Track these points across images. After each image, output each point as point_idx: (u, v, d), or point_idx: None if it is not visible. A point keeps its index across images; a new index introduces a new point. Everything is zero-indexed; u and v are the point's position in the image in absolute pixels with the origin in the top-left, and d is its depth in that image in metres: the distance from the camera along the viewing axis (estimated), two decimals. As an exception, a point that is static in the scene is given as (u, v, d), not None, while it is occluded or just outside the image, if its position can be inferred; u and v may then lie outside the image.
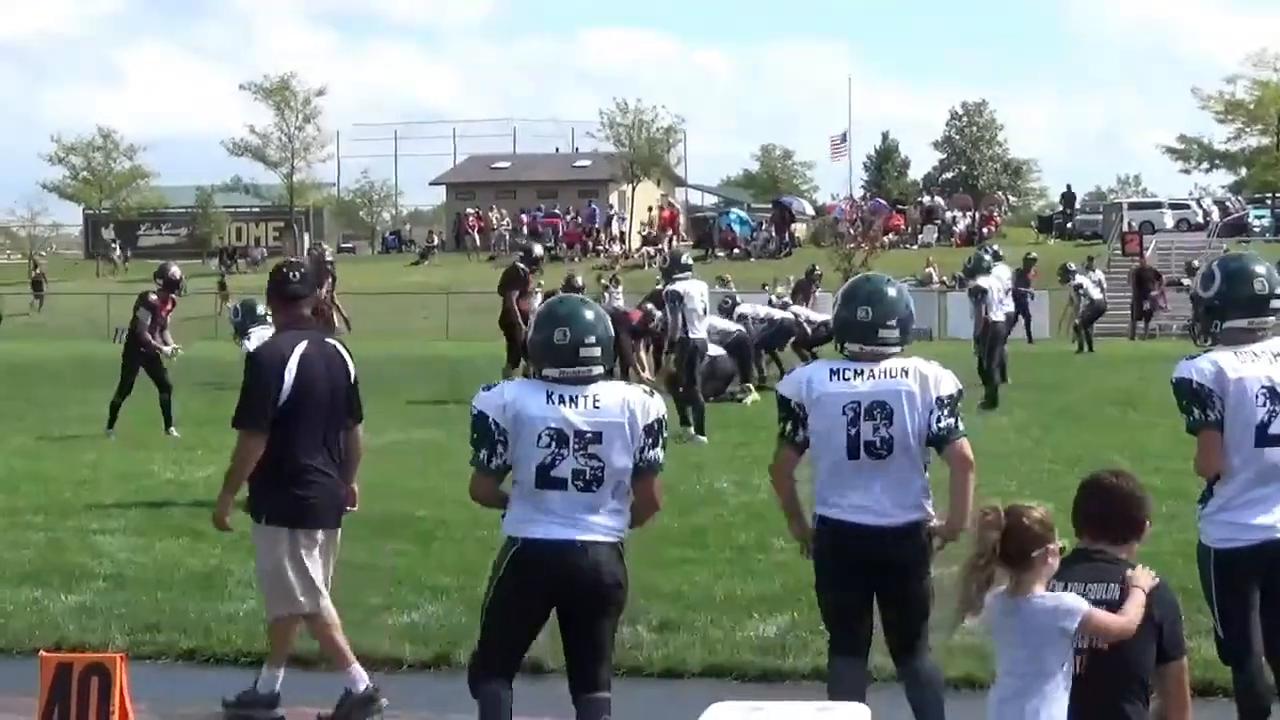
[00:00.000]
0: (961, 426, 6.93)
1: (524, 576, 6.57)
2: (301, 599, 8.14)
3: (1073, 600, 5.82)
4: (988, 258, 25.16)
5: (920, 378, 6.88)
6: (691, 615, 9.88)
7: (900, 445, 6.82)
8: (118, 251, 73.74)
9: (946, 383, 6.93)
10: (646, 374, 25.47)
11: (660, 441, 6.71)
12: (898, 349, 6.99)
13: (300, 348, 8.17)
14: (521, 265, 24.34)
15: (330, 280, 29.37)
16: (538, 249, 26.50)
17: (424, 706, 7.38)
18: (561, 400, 6.54)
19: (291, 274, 8.46)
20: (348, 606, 10.20)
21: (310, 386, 8.12)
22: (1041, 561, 5.84)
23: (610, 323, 6.86)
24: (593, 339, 6.62)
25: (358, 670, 8.13)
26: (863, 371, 6.89)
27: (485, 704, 6.63)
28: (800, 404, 6.92)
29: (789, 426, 6.97)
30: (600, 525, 6.58)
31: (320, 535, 8.18)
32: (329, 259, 28.57)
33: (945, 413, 6.84)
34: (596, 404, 6.56)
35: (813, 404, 6.89)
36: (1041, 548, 5.84)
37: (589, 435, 6.51)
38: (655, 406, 6.68)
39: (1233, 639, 6.78)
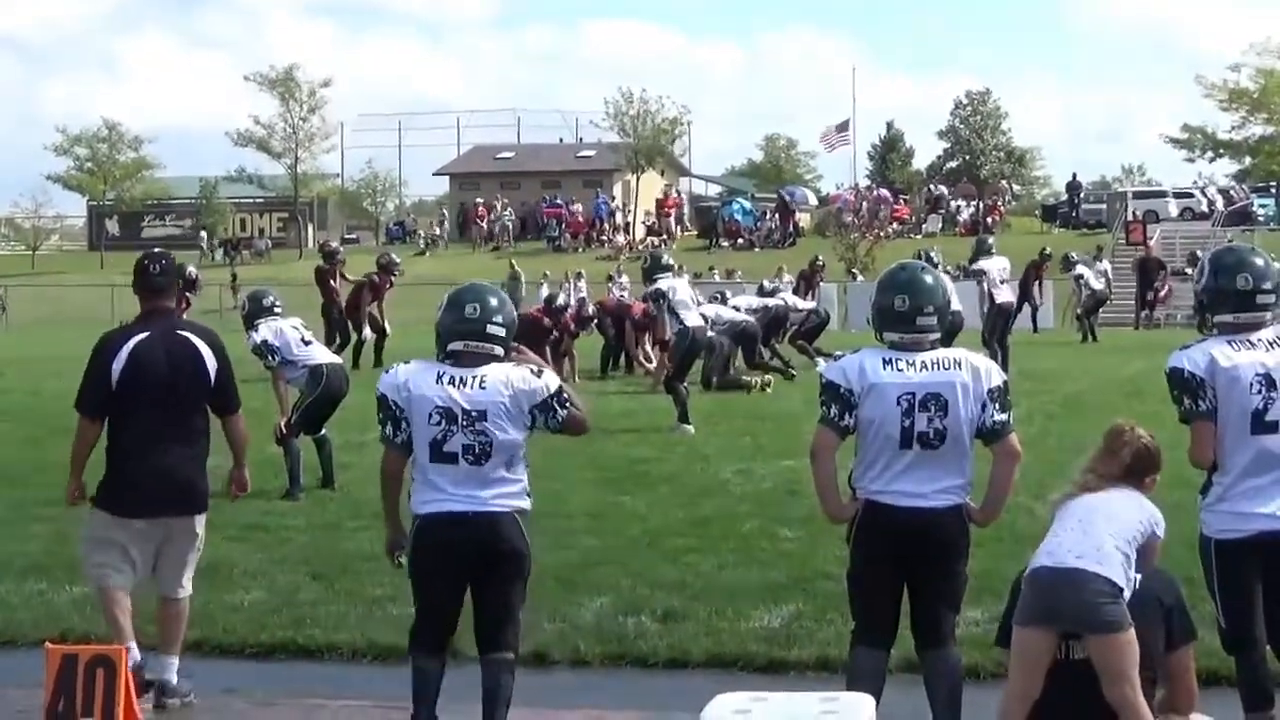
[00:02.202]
0: (1012, 420, 6.99)
1: (426, 550, 7.11)
2: (92, 571, 8.42)
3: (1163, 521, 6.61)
4: (990, 239, 26.30)
5: (972, 369, 6.91)
6: (696, 605, 9.88)
7: (953, 436, 6.84)
8: (206, 240, 73.32)
9: (995, 374, 6.99)
10: (652, 366, 25.52)
11: (559, 408, 7.15)
12: (937, 335, 7.01)
13: (137, 338, 8.35)
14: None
15: (389, 284, 29.49)
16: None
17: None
18: (451, 381, 7.08)
19: (152, 266, 8.60)
20: (351, 598, 10.25)
21: (139, 377, 8.27)
22: (1149, 486, 6.67)
23: (512, 309, 7.37)
24: (499, 319, 7.20)
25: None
26: (915, 362, 6.89)
27: (413, 676, 7.19)
28: (850, 390, 6.89)
29: (834, 410, 6.92)
30: (494, 497, 7.06)
31: (140, 524, 8.32)
32: (397, 264, 28.61)
33: (997, 407, 6.90)
34: (482, 385, 7.08)
35: (866, 392, 6.88)
36: (1155, 473, 6.69)
37: (474, 413, 7.03)
38: (543, 386, 7.15)
39: (1235, 629, 6.79)
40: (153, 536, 8.35)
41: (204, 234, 74.49)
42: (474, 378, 7.08)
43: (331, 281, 28.79)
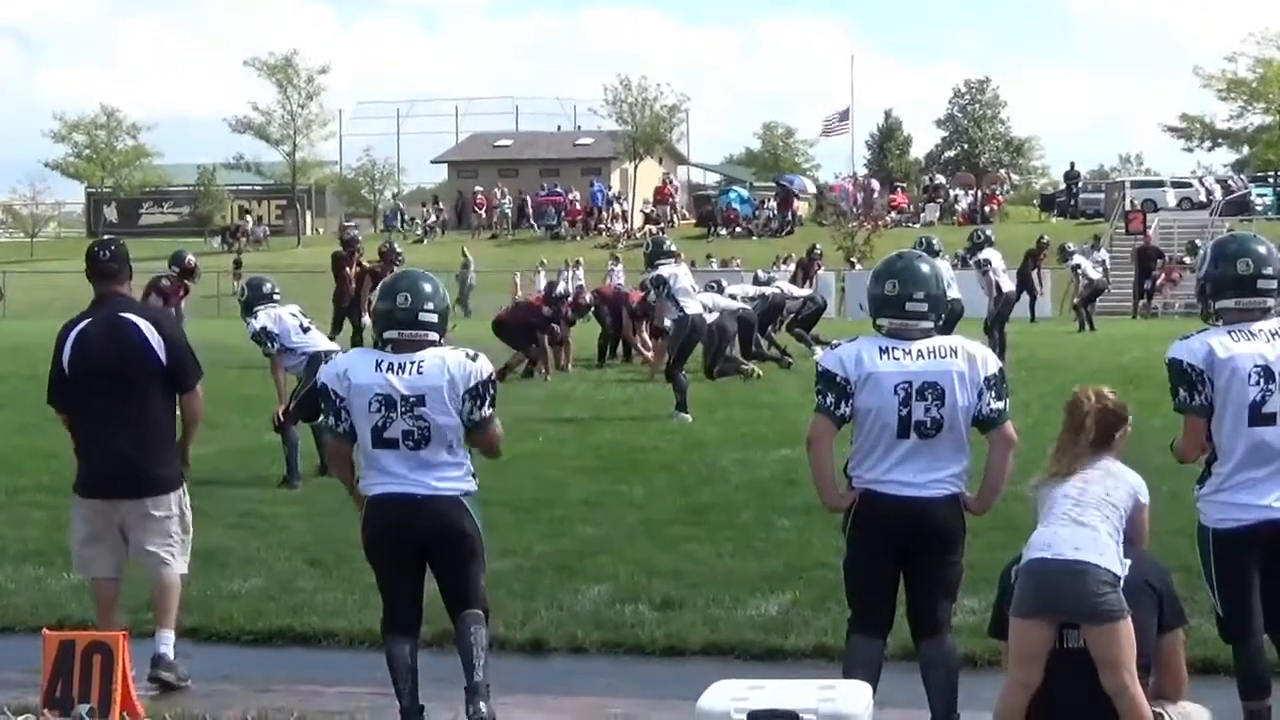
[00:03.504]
0: (1008, 409, 7.01)
1: (376, 529, 7.30)
2: (75, 560, 8.76)
3: (1146, 487, 6.57)
4: (988, 230, 27.22)
5: (969, 357, 6.91)
6: (693, 593, 9.88)
7: (949, 425, 6.85)
8: (252, 223, 73.29)
9: (991, 362, 7.00)
10: (649, 354, 25.53)
11: (486, 401, 7.25)
12: (930, 324, 6.99)
13: (81, 325, 8.52)
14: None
15: (390, 273, 29.56)
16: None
17: (424, 684, 7.41)
18: (390, 368, 7.19)
19: (101, 252, 8.70)
20: (348, 586, 10.25)
21: (84, 363, 8.44)
22: (1121, 440, 6.51)
23: (448, 295, 7.51)
24: (431, 306, 7.30)
25: None
26: (911, 351, 6.89)
27: (387, 659, 7.37)
28: (847, 379, 6.89)
29: (830, 399, 6.91)
30: (436, 480, 7.19)
31: (97, 504, 8.50)
32: (399, 253, 28.74)
33: (994, 395, 6.91)
34: (420, 370, 7.18)
35: (862, 381, 6.87)
36: (1123, 428, 6.62)
37: (413, 399, 7.14)
38: (476, 369, 7.25)
39: (1232, 618, 6.79)
40: (110, 518, 8.48)
41: (251, 218, 74.31)
42: (412, 363, 7.21)
43: (347, 269, 28.73)
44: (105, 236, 9.41)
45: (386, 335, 7.31)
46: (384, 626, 7.44)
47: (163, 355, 8.42)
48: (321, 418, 7.33)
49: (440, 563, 7.33)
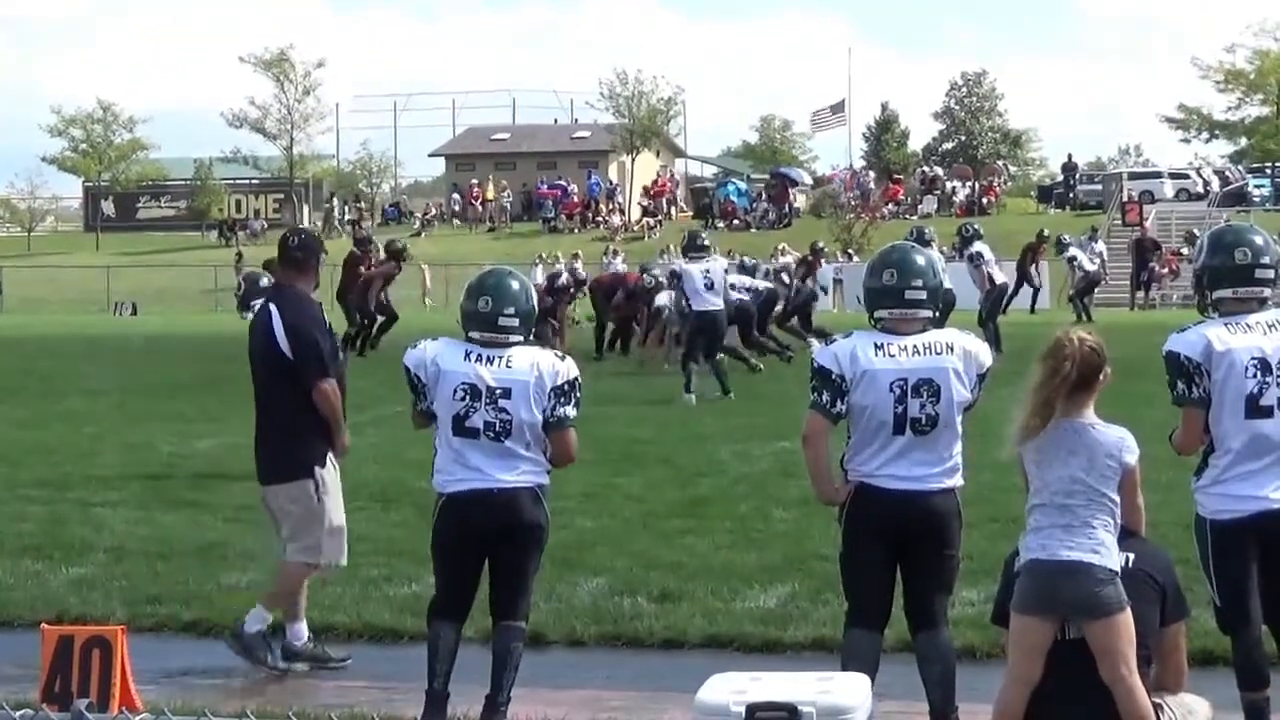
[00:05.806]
0: None
1: (450, 527, 7.41)
2: None
3: (1133, 440, 6.30)
4: (976, 224, 28.38)
5: (964, 352, 6.95)
6: (692, 586, 9.89)
7: (945, 420, 6.88)
8: (335, 212, 73.02)
9: (985, 354, 7.05)
10: (648, 343, 25.69)
11: (570, 400, 7.36)
12: (929, 313, 7.00)
13: (254, 310, 8.90)
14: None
15: (398, 269, 29.83)
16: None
17: (424, 679, 7.42)
18: (478, 359, 7.31)
19: (292, 240, 8.94)
20: (348, 578, 10.25)
21: (248, 351, 8.78)
22: (1101, 385, 6.35)
23: (533, 295, 7.59)
24: (512, 310, 7.37)
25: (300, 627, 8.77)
26: (906, 347, 6.90)
27: (430, 640, 7.46)
28: (842, 376, 6.89)
29: (825, 397, 6.92)
30: (514, 473, 7.30)
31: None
32: (401, 246, 28.79)
33: (981, 386, 7.00)
34: (508, 364, 7.30)
35: (858, 379, 6.87)
36: (1103, 372, 6.37)
37: (499, 391, 7.25)
38: (565, 369, 7.37)
39: (1230, 609, 6.78)
40: (265, 504, 8.86)
41: (333, 203, 73.60)
42: (500, 358, 7.30)
43: (361, 269, 28.65)
44: (303, 225, 9.63)
45: (471, 335, 7.40)
46: (433, 610, 7.51)
47: (285, 346, 8.54)
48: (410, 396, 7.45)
49: (503, 553, 7.40)
